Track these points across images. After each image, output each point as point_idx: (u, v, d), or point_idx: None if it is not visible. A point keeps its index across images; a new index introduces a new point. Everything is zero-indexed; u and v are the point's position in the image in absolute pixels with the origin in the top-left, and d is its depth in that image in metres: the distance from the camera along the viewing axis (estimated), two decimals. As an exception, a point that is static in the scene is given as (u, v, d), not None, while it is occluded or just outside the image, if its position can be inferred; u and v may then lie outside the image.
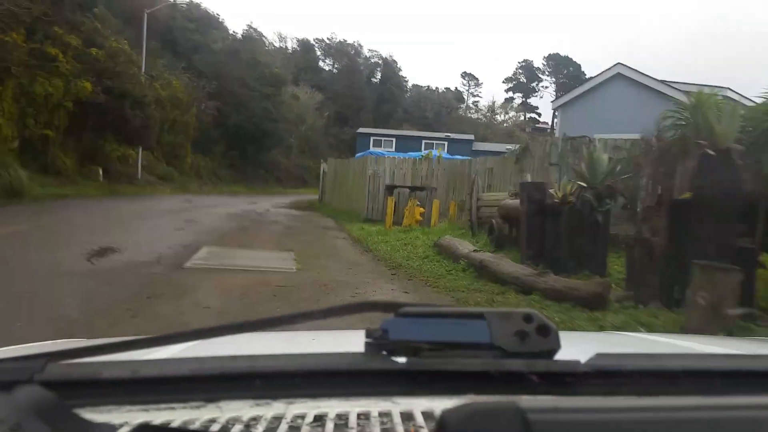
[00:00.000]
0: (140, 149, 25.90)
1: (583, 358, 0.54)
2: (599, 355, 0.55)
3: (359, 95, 59.49)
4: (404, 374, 0.52)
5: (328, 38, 62.03)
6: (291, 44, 60.84)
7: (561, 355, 0.53)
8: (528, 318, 0.53)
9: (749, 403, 0.45)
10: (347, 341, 0.71)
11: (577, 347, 0.79)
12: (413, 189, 12.54)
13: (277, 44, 57.08)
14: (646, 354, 0.74)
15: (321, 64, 61.97)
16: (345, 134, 50.29)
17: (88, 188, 20.34)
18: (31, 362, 0.52)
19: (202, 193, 29.43)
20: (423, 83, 79.82)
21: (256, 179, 40.01)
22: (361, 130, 31.51)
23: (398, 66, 68.78)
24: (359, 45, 65.71)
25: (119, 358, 0.60)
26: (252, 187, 38.28)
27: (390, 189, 12.74)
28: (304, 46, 61.25)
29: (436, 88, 73.33)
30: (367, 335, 0.54)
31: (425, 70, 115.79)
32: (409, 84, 69.49)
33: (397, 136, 30.03)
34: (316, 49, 61.94)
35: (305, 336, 1.15)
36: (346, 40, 62.92)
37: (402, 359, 0.53)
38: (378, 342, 0.53)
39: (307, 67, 57.78)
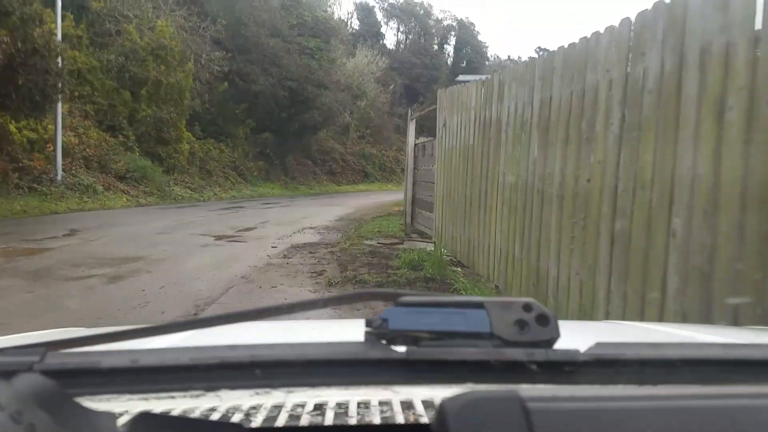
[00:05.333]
0: (58, 126, 13.32)
1: (582, 347, 0.52)
2: (599, 344, 0.53)
3: (431, 64, 46.25)
4: (404, 363, 0.51)
5: (390, -4, 48.52)
6: (346, 9, 48.20)
7: (560, 344, 0.51)
8: (527, 307, 0.51)
9: (747, 392, 0.43)
10: (347, 330, 0.82)
11: (576, 336, 0.77)
12: None
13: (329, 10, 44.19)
14: (646, 343, 0.62)
15: (383, 29, 48.64)
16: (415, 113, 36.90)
17: None
18: (30, 351, 0.50)
19: (193, 201, 16.70)
20: (501, 54, 65.29)
21: (300, 173, 27.32)
22: (462, 77, 17.79)
23: (475, 29, 54.73)
24: (429, 5, 52.18)
25: (119, 347, 0.57)
26: (292, 185, 25.64)
27: None
28: (363, 9, 48.11)
29: (519, 57, 58.74)
30: (367, 324, 0.53)
31: (498, 40, 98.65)
32: (489, 52, 55.30)
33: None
34: (377, 11, 48.66)
35: (305, 325, 1.14)
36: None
37: (402, 348, 0.51)
38: (378, 331, 0.52)
39: (366, 32, 44.85)
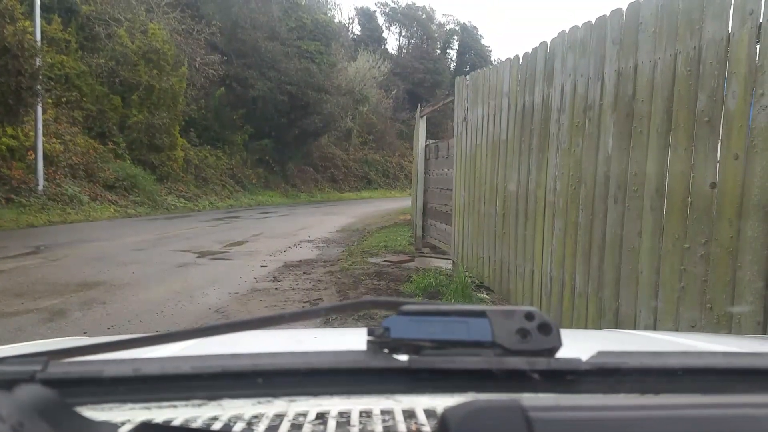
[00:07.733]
0: (38, 132, 12.43)
1: (584, 356, 0.51)
2: (600, 353, 0.53)
3: (434, 68, 45.37)
4: (406, 372, 0.50)
5: (393, 0, 47.86)
6: (348, 14, 47.68)
7: (562, 353, 0.50)
8: (529, 316, 0.50)
9: (749, 402, 0.43)
10: (349, 339, 0.85)
11: (578, 345, 0.75)
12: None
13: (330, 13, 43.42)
14: (648, 352, 0.60)
15: (385, 34, 47.84)
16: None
17: None
18: (32, 361, 0.50)
19: (187, 210, 15.77)
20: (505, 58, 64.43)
21: (301, 181, 26.39)
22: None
23: (479, 33, 53.98)
24: (431, 9, 51.51)
25: (120, 356, 0.56)
26: (293, 193, 24.72)
27: None
28: (364, 14, 47.38)
29: (522, 61, 57.80)
30: (369, 333, 0.52)
31: (502, 43, 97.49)
32: (492, 56, 54.44)
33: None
34: (378, 16, 47.92)
35: (307, 334, 1.13)
36: (414, 3, 48.58)
37: (404, 357, 0.50)
38: (380, 340, 0.51)
39: (368, 37, 44.04)
